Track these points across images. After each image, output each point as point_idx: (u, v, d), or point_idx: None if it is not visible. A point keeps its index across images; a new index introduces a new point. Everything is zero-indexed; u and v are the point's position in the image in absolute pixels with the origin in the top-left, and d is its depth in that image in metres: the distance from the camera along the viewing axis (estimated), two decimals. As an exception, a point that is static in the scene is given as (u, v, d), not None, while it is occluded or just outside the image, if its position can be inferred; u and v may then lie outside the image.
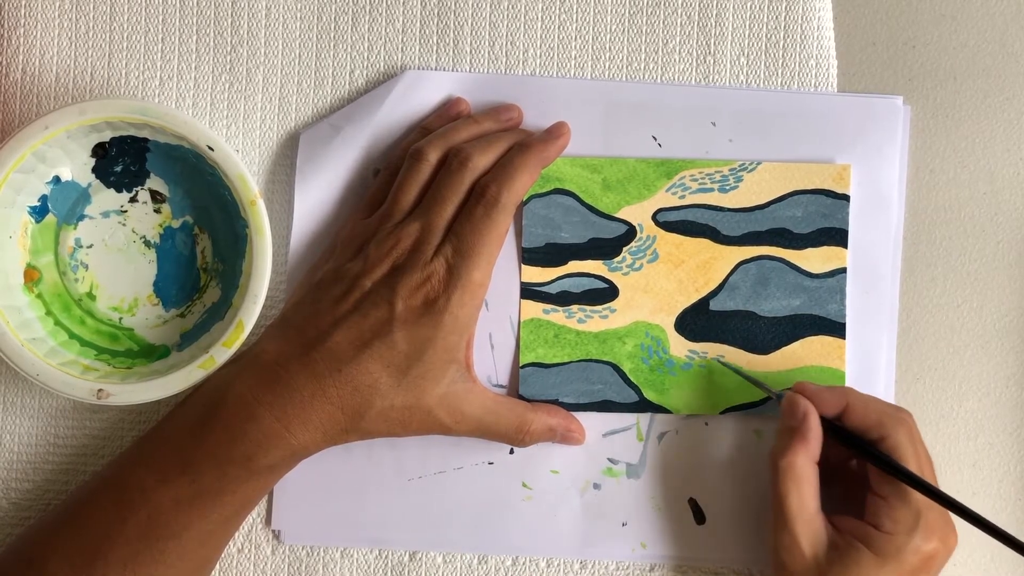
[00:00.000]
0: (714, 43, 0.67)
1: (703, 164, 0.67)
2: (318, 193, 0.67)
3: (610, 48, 0.68)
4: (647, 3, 0.67)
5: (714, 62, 0.67)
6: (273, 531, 0.68)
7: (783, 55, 0.67)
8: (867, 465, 0.62)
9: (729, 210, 0.67)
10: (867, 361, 0.67)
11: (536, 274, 0.67)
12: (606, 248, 0.67)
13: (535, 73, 0.67)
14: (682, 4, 0.67)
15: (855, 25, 0.68)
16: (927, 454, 0.62)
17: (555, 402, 0.67)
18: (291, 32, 0.67)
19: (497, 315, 0.67)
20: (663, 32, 0.67)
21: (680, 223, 0.67)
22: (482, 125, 0.65)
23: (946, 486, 0.68)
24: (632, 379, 0.67)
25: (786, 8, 0.67)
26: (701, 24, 0.67)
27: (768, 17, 0.67)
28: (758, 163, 0.66)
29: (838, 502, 0.64)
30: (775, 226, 0.67)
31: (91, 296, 0.66)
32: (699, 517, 0.68)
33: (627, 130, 0.67)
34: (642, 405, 0.67)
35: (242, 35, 0.67)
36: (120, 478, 0.61)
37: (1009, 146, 0.68)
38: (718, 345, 0.67)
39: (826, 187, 0.66)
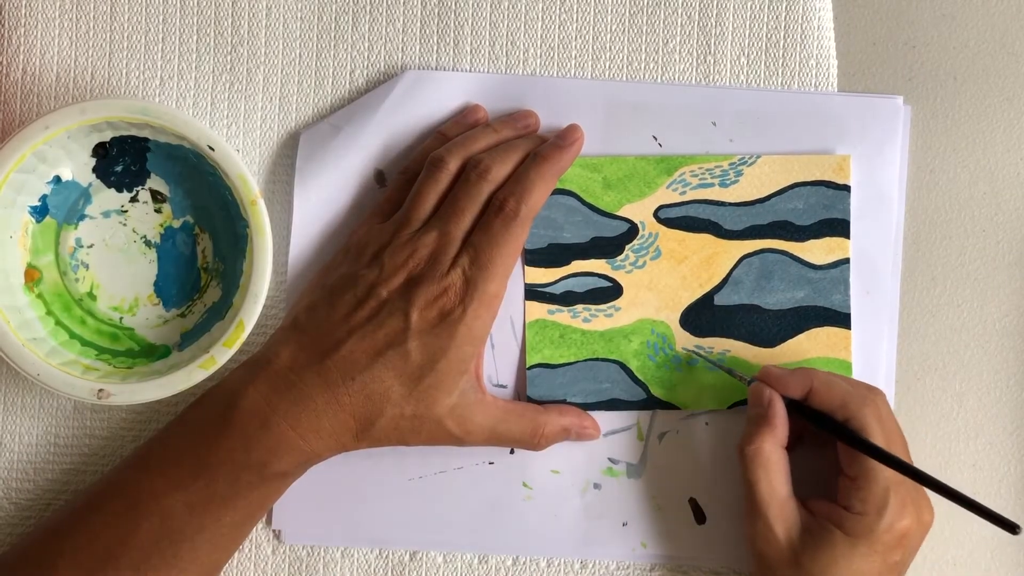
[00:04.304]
0: (714, 43, 0.67)
1: (703, 159, 0.67)
2: (318, 193, 0.67)
3: (610, 48, 0.68)
4: (647, 3, 0.67)
5: (714, 62, 0.67)
6: (273, 531, 0.68)
7: (783, 55, 0.67)
8: (838, 448, 0.63)
9: (730, 204, 0.67)
10: (868, 361, 0.67)
11: (540, 275, 0.67)
12: (609, 247, 0.67)
13: (535, 73, 0.68)
14: (682, 4, 0.67)
15: (855, 25, 0.68)
16: (899, 433, 0.63)
17: (563, 402, 0.67)
18: (291, 32, 0.67)
19: (498, 316, 0.66)
20: (663, 32, 0.67)
21: (682, 219, 0.67)
22: (500, 134, 0.65)
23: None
24: (639, 377, 0.67)
25: (786, 8, 0.67)
26: (701, 24, 0.67)
27: (768, 17, 0.67)
28: (758, 156, 0.67)
29: (813, 488, 0.64)
30: (777, 219, 0.67)
31: (92, 296, 0.66)
32: (699, 517, 0.68)
33: (627, 130, 0.67)
34: (650, 402, 0.67)
35: (242, 35, 0.67)
36: (131, 482, 0.61)
37: (1009, 146, 0.68)
38: (724, 340, 0.67)
39: (826, 178, 0.66)
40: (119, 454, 0.68)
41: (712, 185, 0.67)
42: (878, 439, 0.61)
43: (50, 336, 0.65)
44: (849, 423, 0.61)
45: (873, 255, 0.67)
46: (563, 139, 0.65)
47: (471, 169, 0.63)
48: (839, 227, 0.66)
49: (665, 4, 0.67)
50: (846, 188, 0.66)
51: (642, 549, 0.68)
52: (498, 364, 0.67)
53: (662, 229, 0.67)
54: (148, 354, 0.66)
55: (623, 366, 0.67)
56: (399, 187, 0.66)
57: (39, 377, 0.62)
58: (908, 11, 0.68)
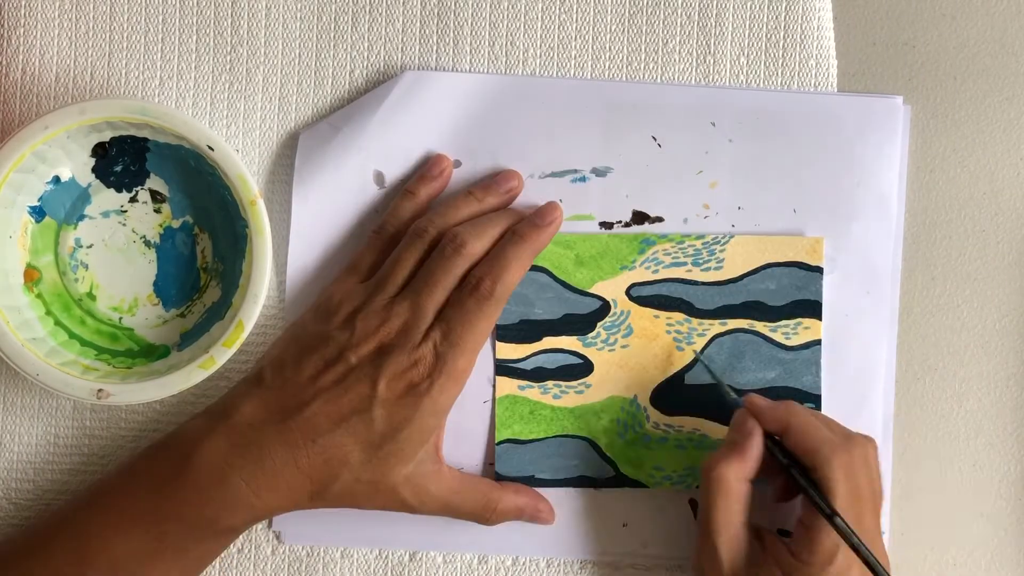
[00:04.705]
0: (714, 43, 0.67)
1: (677, 238, 0.66)
2: (317, 193, 0.67)
3: (610, 48, 0.68)
4: (647, 3, 0.67)
5: (714, 62, 0.67)
6: (273, 531, 0.68)
7: (783, 55, 0.67)
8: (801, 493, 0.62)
9: (703, 284, 0.66)
10: (867, 362, 0.67)
11: (511, 351, 0.66)
12: (580, 324, 0.66)
13: (535, 73, 0.67)
14: (682, 4, 0.67)
15: (855, 25, 0.68)
16: (870, 488, 0.61)
17: (531, 479, 0.66)
18: (291, 32, 0.67)
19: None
20: (663, 32, 0.67)
21: (654, 297, 0.66)
22: (483, 203, 0.65)
23: (946, 486, 0.68)
24: (608, 454, 0.66)
25: (786, 8, 0.67)
26: (701, 24, 0.67)
27: (768, 17, 0.67)
28: (731, 236, 0.66)
29: (790, 511, 0.64)
30: (749, 299, 0.66)
31: (91, 296, 0.66)
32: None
33: (627, 130, 0.67)
34: (618, 480, 0.67)
35: (242, 35, 0.67)
36: (81, 524, 0.61)
37: (1009, 146, 0.68)
38: (694, 419, 0.66)
39: (799, 259, 0.66)
40: (118, 454, 0.68)
41: (685, 264, 0.66)
42: (839, 494, 0.59)
43: (49, 336, 0.65)
44: (814, 473, 0.60)
45: (873, 255, 0.67)
46: (541, 218, 0.64)
47: (448, 242, 0.63)
48: (811, 308, 0.66)
49: (665, 4, 0.67)
50: (819, 270, 0.66)
51: (642, 549, 0.68)
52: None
53: (634, 307, 0.66)
54: (148, 354, 0.66)
55: (592, 443, 0.67)
56: (372, 245, 0.65)
57: (38, 377, 0.62)
58: (908, 11, 0.68)
